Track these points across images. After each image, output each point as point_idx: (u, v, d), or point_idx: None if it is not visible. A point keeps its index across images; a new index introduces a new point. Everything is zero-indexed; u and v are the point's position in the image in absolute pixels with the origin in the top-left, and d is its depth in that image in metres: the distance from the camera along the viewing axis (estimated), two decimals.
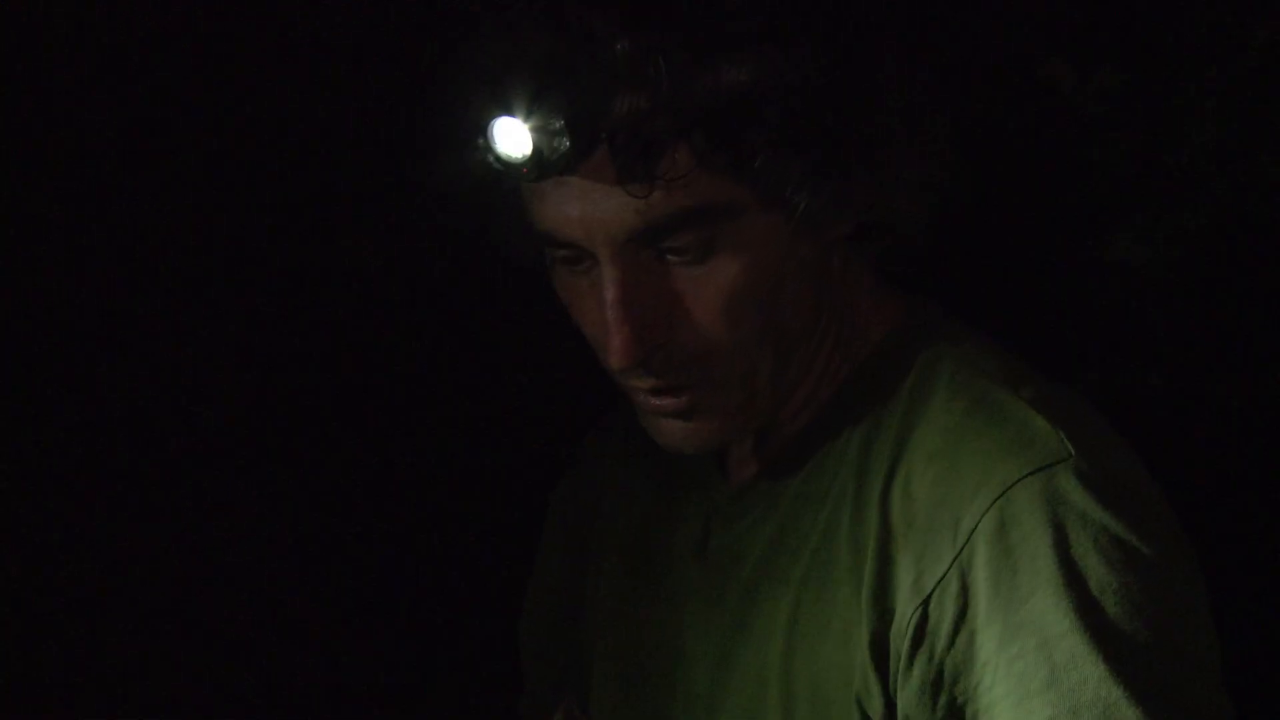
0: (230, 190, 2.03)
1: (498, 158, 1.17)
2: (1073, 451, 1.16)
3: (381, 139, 2.00)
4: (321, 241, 2.09)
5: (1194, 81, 1.86)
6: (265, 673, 2.14)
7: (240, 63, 1.98)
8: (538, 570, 1.63)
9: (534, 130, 1.14)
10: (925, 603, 1.17)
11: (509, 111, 1.15)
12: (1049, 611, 1.11)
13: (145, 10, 1.93)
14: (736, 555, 1.34)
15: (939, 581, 1.16)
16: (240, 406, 2.11)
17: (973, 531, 1.15)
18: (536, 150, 1.15)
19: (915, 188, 1.22)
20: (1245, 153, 1.85)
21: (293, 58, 2.01)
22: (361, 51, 1.99)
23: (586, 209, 1.17)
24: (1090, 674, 1.10)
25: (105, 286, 1.99)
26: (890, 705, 1.20)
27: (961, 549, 1.15)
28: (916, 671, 1.18)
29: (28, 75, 1.88)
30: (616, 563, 1.48)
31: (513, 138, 1.16)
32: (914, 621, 1.17)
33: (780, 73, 1.13)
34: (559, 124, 1.13)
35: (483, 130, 1.17)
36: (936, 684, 1.17)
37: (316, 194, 2.06)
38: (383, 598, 2.22)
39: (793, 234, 1.19)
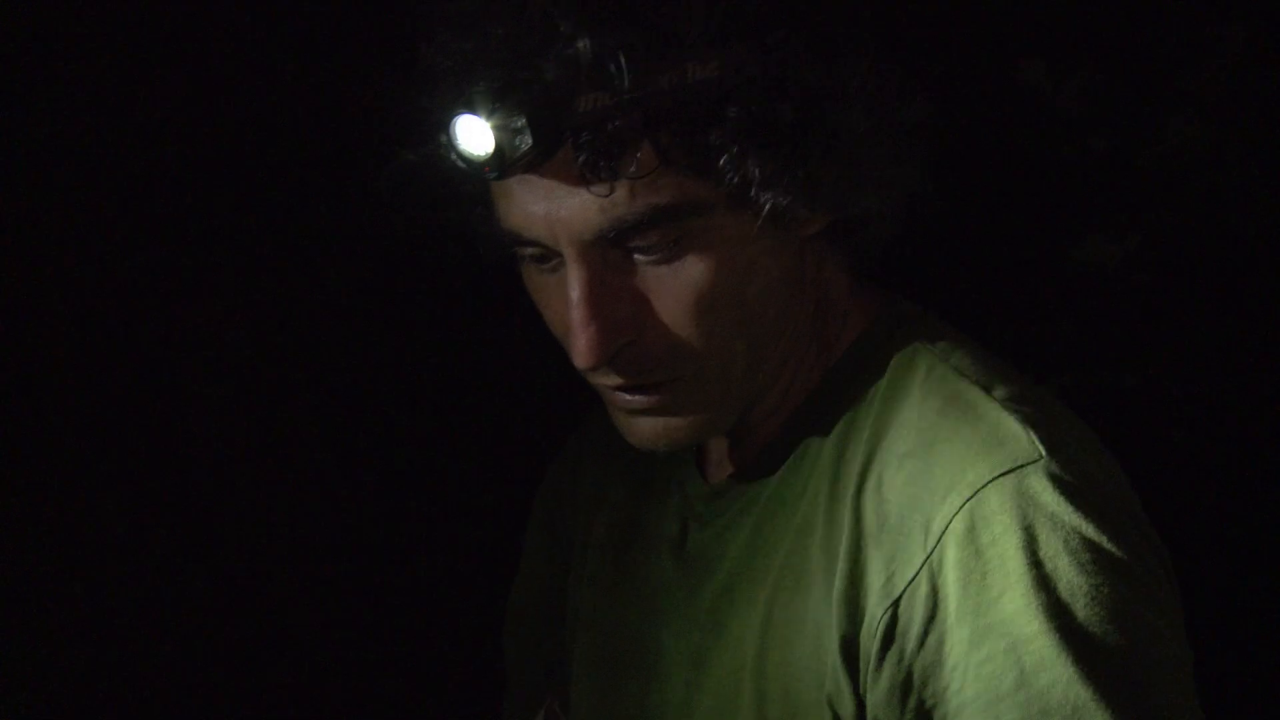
0: (232, 191, 2.03)
1: (460, 155, 1.17)
2: (1044, 453, 1.16)
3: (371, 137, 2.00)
4: (320, 239, 2.09)
5: (1169, 82, 1.86)
6: (266, 673, 2.13)
7: (220, 62, 1.98)
8: (521, 570, 1.63)
9: (496, 128, 1.14)
10: (895, 604, 1.16)
11: (471, 109, 1.15)
12: (1019, 614, 1.11)
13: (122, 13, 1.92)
14: (713, 556, 1.34)
15: (909, 583, 1.16)
16: (241, 407, 2.11)
17: (943, 533, 1.14)
18: (499, 148, 1.14)
19: (885, 186, 1.22)
20: (1220, 153, 1.86)
21: (275, 54, 2.00)
22: (328, 46, 1.99)
23: (551, 207, 1.17)
24: (1059, 676, 1.09)
25: (104, 288, 1.98)
26: (861, 706, 1.20)
27: (932, 550, 1.15)
28: (886, 673, 1.17)
29: (28, 75, 1.87)
30: (596, 562, 1.48)
31: (475, 135, 1.15)
32: (884, 623, 1.17)
33: (743, 71, 1.13)
34: (520, 122, 1.12)
35: (445, 127, 1.17)
36: (906, 686, 1.16)
37: (313, 192, 2.06)
38: (382, 599, 2.22)
39: (761, 232, 1.18)
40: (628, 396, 1.25)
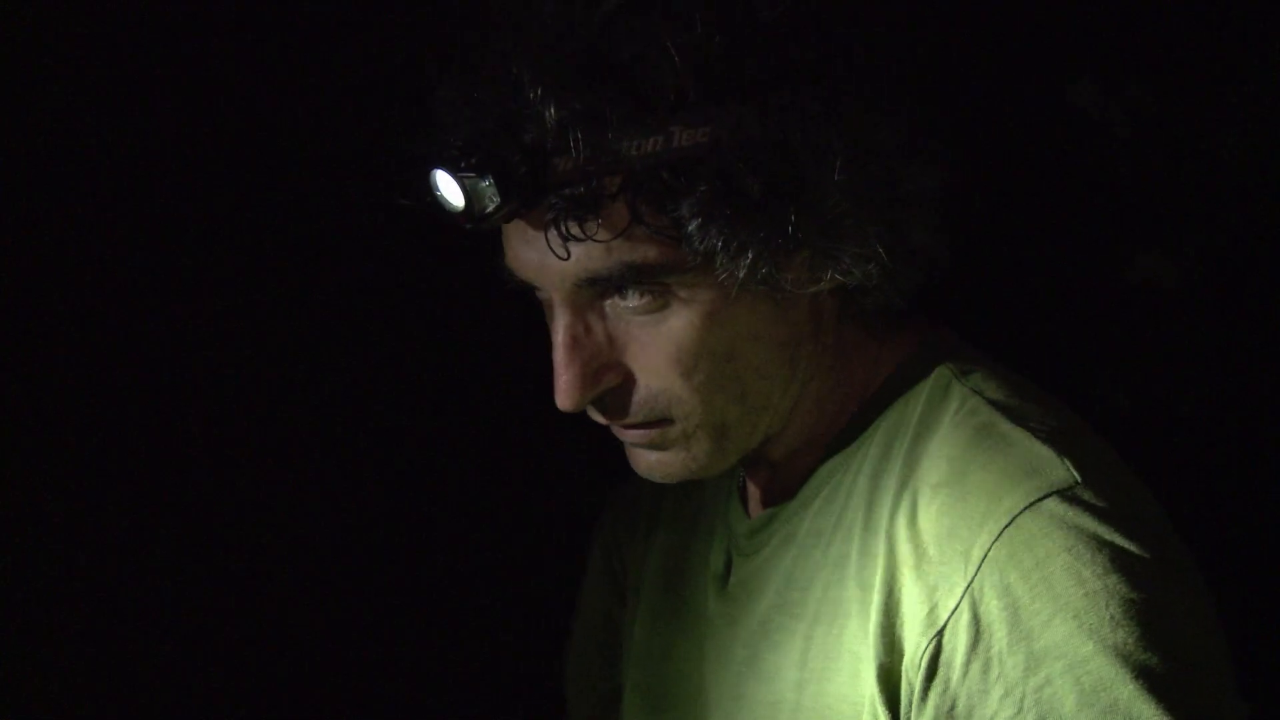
0: (232, 192, 2.05)
1: (438, 205, 1.21)
2: (1079, 478, 1.16)
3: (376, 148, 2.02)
4: (320, 239, 2.11)
5: (1221, 98, 1.85)
6: (266, 673, 2.14)
7: (233, 69, 2.00)
8: (580, 603, 1.65)
9: (465, 185, 1.17)
10: (939, 634, 1.17)
11: (443, 164, 1.19)
12: (1071, 636, 1.12)
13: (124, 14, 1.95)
14: (753, 589, 1.36)
15: (952, 612, 1.16)
16: (241, 407, 2.12)
17: (983, 560, 1.15)
18: (468, 203, 1.18)
19: (889, 251, 1.21)
20: (1274, 169, 1.84)
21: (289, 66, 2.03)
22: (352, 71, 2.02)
23: (537, 254, 1.20)
24: (1120, 695, 1.10)
25: (104, 288, 2.00)
26: None
27: (972, 578, 1.15)
28: (931, 704, 1.18)
29: (29, 75, 1.90)
30: (649, 595, 1.49)
31: (449, 189, 1.20)
32: (928, 653, 1.17)
33: (728, 137, 1.14)
34: (486, 182, 1.15)
35: (425, 177, 1.21)
36: (951, 715, 1.17)
37: (314, 192, 2.08)
38: (382, 600, 2.22)
39: (748, 292, 1.19)
40: (621, 432, 1.28)
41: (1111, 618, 1.11)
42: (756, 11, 1.17)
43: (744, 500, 1.41)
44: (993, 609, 1.14)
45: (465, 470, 2.24)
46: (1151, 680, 1.09)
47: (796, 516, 1.33)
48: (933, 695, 1.17)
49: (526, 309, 1.37)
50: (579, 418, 1.67)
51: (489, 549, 2.25)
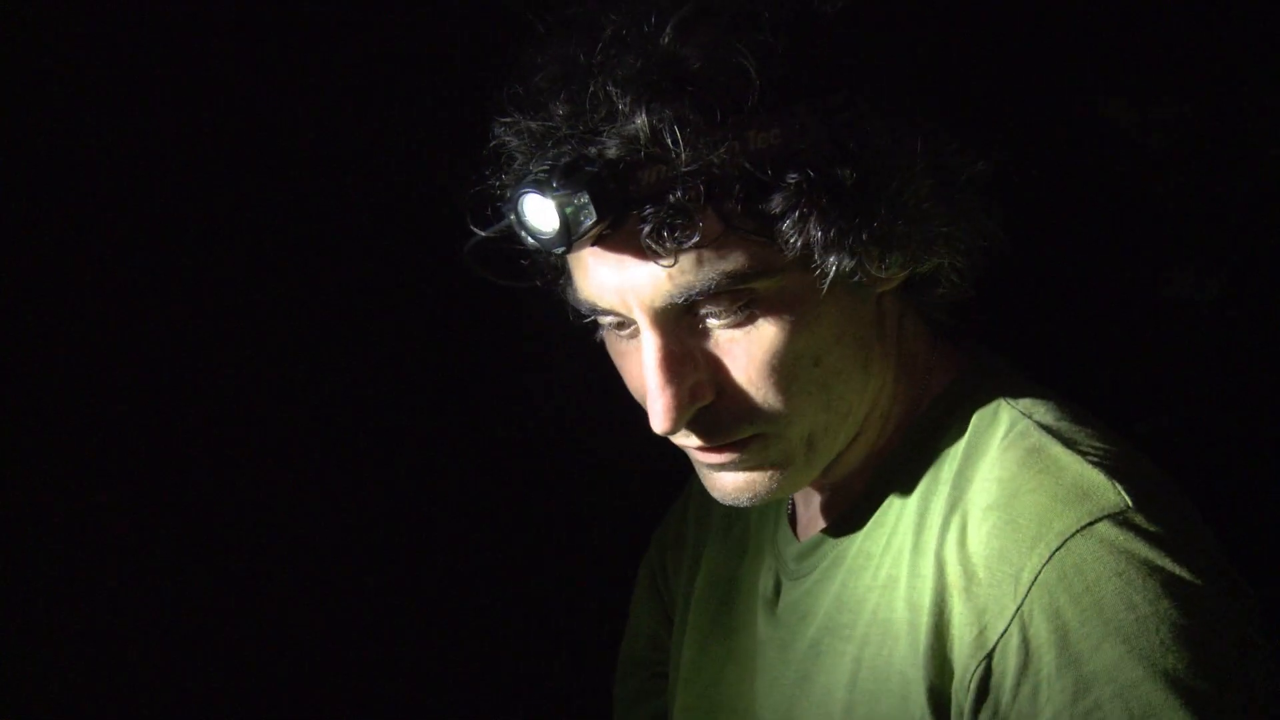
0: (233, 192, 2.04)
1: (530, 232, 1.19)
2: (1130, 503, 1.16)
3: (389, 152, 2.01)
4: (320, 239, 2.10)
5: (1256, 112, 1.83)
6: (266, 673, 2.14)
7: (233, 69, 1.99)
8: (630, 622, 1.66)
9: (560, 206, 1.15)
10: (989, 657, 1.16)
11: (536, 188, 1.17)
12: (1121, 660, 1.11)
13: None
14: (803, 612, 1.35)
15: (1001, 635, 1.15)
16: (241, 407, 2.12)
17: (1033, 584, 1.14)
18: (564, 224, 1.16)
19: (954, 240, 1.22)
20: None
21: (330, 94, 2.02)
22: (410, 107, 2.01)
23: (623, 278, 1.19)
24: None
25: (105, 288, 1.99)
26: None
27: (1022, 601, 1.14)
28: None
29: (29, 75, 1.88)
30: (697, 616, 1.50)
31: (541, 213, 1.17)
32: (978, 676, 1.16)
33: (804, 135, 1.14)
34: (584, 199, 1.14)
35: (514, 206, 1.19)
36: None
37: (314, 192, 2.07)
38: (382, 600, 2.22)
39: (832, 290, 1.18)
40: (707, 455, 1.26)
41: (1162, 643, 1.10)
42: (818, 9, 1.17)
43: (793, 523, 1.41)
44: (1042, 632, 1.13)
45: (465, 470, 2.24)
46: (1201, 707, 1.09)
47: (846, 539, 1.33)
48: (982, 718, 1.17)
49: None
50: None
51: (489, 549, 2.25)
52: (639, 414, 1.26)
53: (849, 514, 1.33)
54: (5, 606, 1.96)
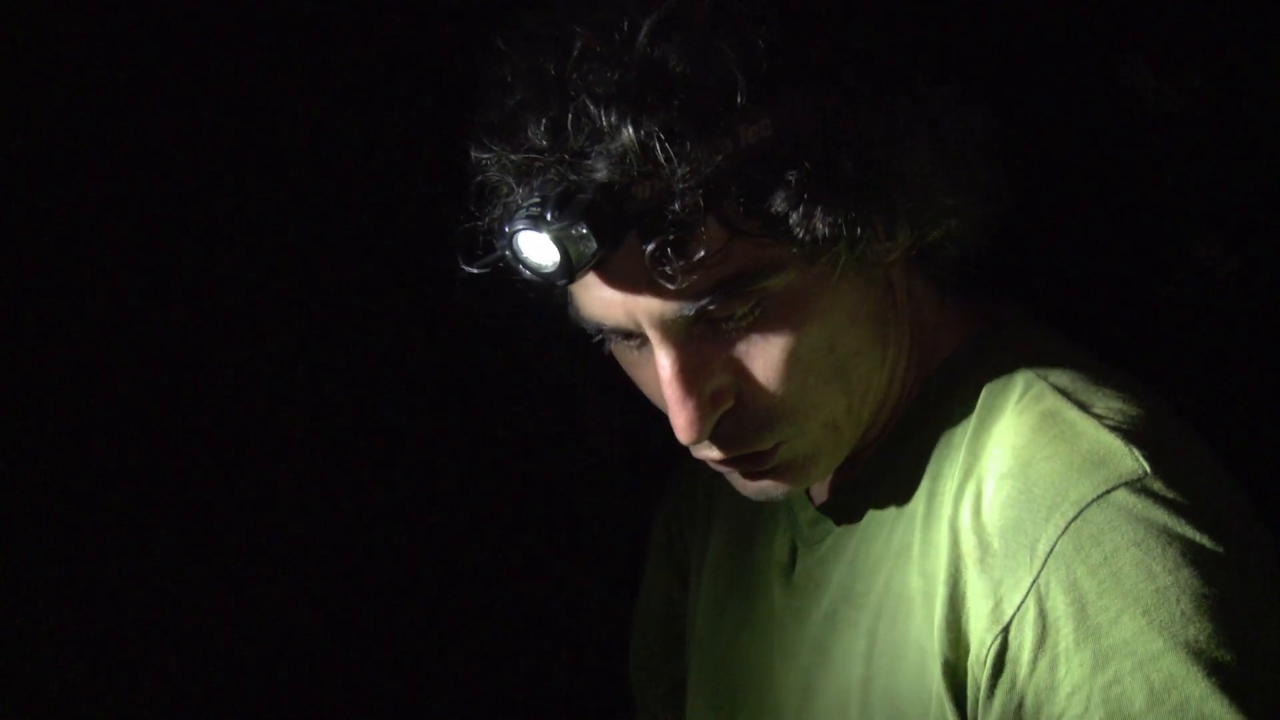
0: (234, 193, 2.04)
1: (528, 267, 1.15)
2: (1147, 469, 1.13)
3: (389, 152, 2.01)
4: (320, 239, 2.10)
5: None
6: (266, 673, 2.14)
7: (233, 69, 1.99)
8: (642, 593, 1.62)
9: (557, 239, 1.11)
10: (1005, 630, 1.14)
11: (530, 224, 1.12)
12: (1141, 632, 1.09)
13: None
14: (818, 581, 1.33)
15: (1018, 608, 1.13)
16: (241, 407, 2.12)
17: (1049, 555, 1.12)
18: (564, 256, 1.12)
19: (961, 206, 1.19)
20: None
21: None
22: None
23: (628, 295, 1.15)
24: (1192, 693, 1.07)
25: (105, 287, 1.99)
26: None
27: (1039, 573, 1.12)
28: (998, 701, 1.15)
29: (29, 75, 1.88)
30: (711, 586, 1.47)
31: (539, 249, 1.13)
32: (994, 650, 1.15)
33: (793, 123, 1.11)
34: (581, 228, 1.10)
35: (508, 243, 1.14)
36: (1018, 713, 1.14)
37: (315, 192, 2.07)
38: (382, 600, 2.22)
39: (843, 275, 1.16)
40: (739, 477, 1.24)
41: (1182, 613, 1.08)
42: None
43: (807, 490, 1.37)
44: (1059, 605, 1.11)
45: (465, 470, 2.24)
46: (1224, 677, 1.07)
47: (859, 504, 1.30)
48: (999, 693, 1.15)
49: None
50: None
51: (489, 548, 2.25)
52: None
53: (860, 482, 1.31)
54: (5, 606, 1.96)
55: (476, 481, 2.24)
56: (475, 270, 1.19)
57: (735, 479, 1.27)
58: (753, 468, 1.23)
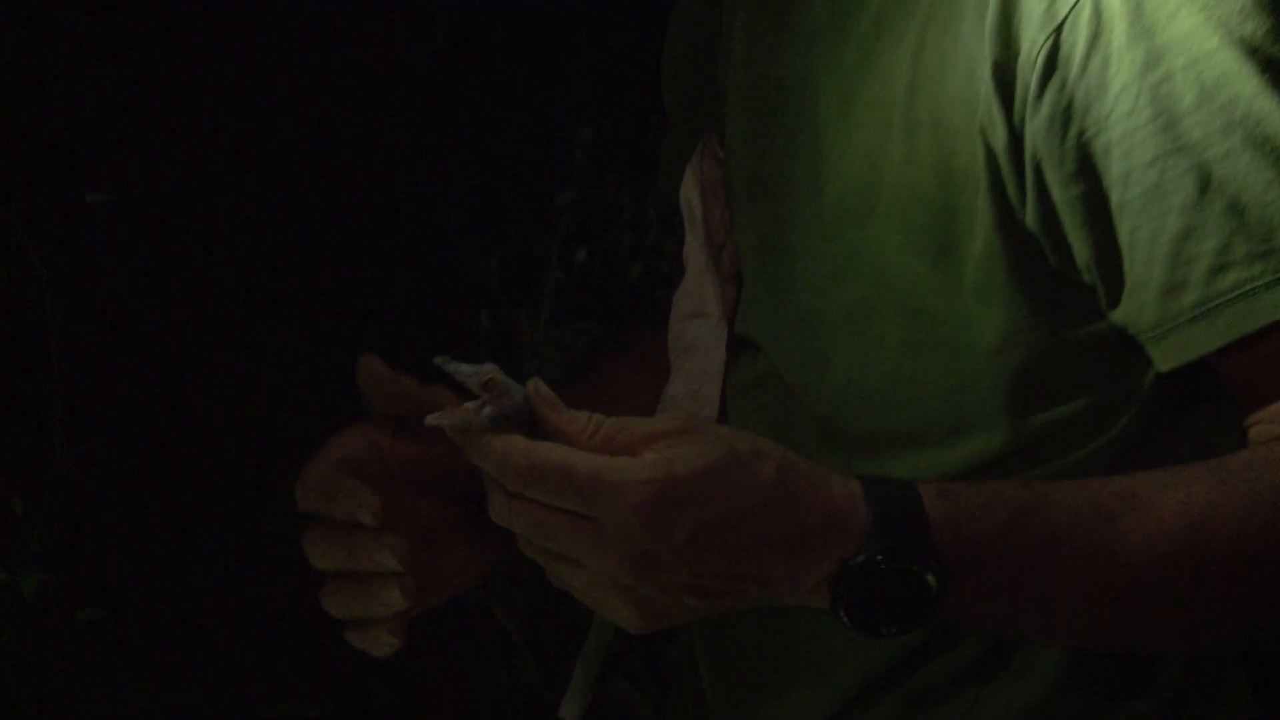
0: (234, 193, 2.04)
1: None
2: None
3: (389, 152, 2.01)
4: (321, 239, 2.10)
5: None
6: (266, 673, 2.15)
7: (233, 69, 2.00)
8: (676, 9, 1.57)
9: None
10: (1058, 30, 1.09)
11: None
12: (1196, 29, 1.06)
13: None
14: None
15: (1073, 7, 1.08)
16: (243, 408, 2.12)
17: None
18: None
19: None
20: None
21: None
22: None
23: None
24: (1243, 90, 1.05)
25: (105, 287, 2.00)
26: (1014, 137, 1.14)
27: None
28: (1047, 101, 1.11)
29: (29, 75, 1.89)
30: (746, 6, 1.42)
31: None
32: (1045, 50, 1.10)
33: None
34: None
35: None
36: (1067, 113, 1.11)
37: (315, 193, 2.07)
38: None
39: None
40: None
41: (1242, 9, 1.05)
42: None
43: None
44: (1115, 2, 1.07)
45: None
46: (1276, 75, 1.03)
47: None
48: (1049, 93, 1.10)
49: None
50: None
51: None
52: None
53: None
54: (7, 607, 1.96)
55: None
56: None
57: None
58: None
